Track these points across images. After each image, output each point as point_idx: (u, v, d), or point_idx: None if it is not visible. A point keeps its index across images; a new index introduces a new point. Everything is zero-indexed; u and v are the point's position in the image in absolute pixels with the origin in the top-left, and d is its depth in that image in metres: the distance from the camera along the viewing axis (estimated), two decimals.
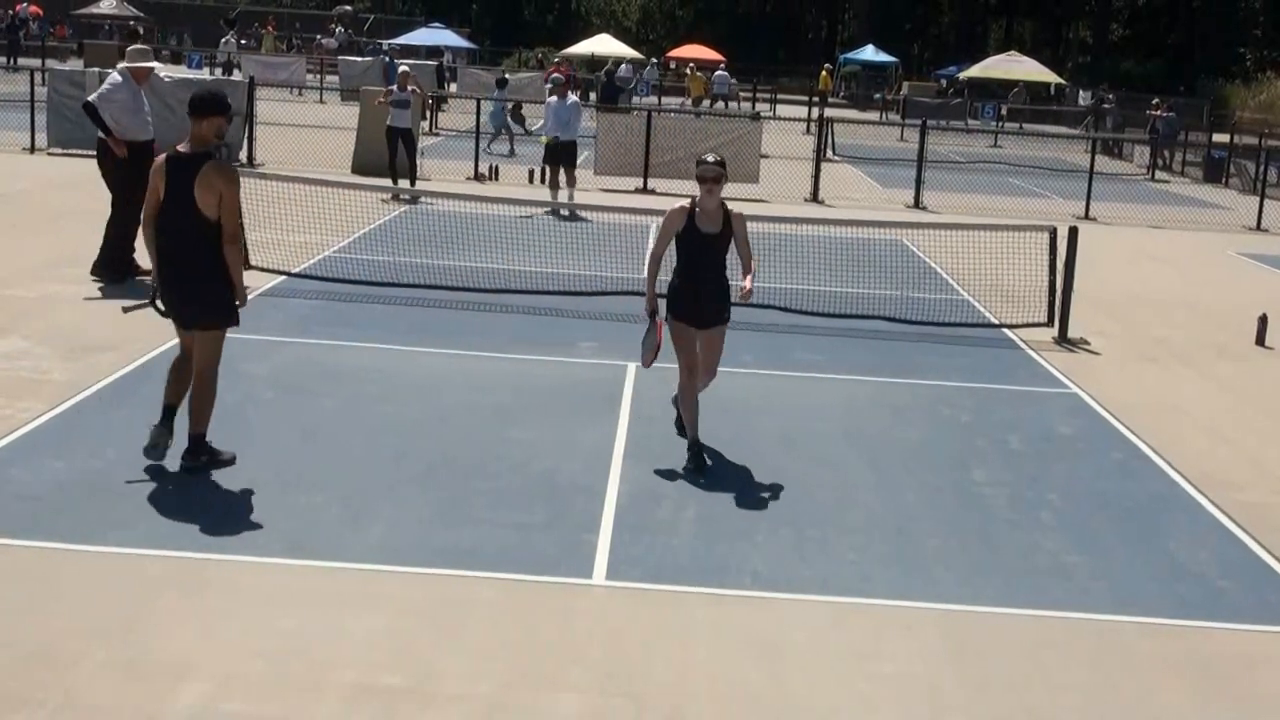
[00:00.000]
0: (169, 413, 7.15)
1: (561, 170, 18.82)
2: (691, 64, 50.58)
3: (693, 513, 6.98)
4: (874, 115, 44.74)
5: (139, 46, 12.87)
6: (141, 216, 7.20)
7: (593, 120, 24.54)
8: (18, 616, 5.32)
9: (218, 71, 42.14)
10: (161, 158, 7.06)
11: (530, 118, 27.67)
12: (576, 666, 5.22)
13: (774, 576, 6.22)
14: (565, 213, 17.27)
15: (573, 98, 19.76)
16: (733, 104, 46.41)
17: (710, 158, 7.70)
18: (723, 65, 51.61)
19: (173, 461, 7.09)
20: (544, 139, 19.26)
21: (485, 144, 23.21)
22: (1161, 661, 5.61)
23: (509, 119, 26.69)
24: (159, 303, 7.34)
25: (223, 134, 7.15)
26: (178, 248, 6.99)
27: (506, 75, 34.23)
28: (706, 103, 43.78)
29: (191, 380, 7.13)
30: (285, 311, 10.98)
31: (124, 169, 11.68)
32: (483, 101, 24.70)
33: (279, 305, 11.20)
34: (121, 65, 12.01)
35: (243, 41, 48.43)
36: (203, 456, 7.15)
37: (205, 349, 7.11)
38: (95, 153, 11.91)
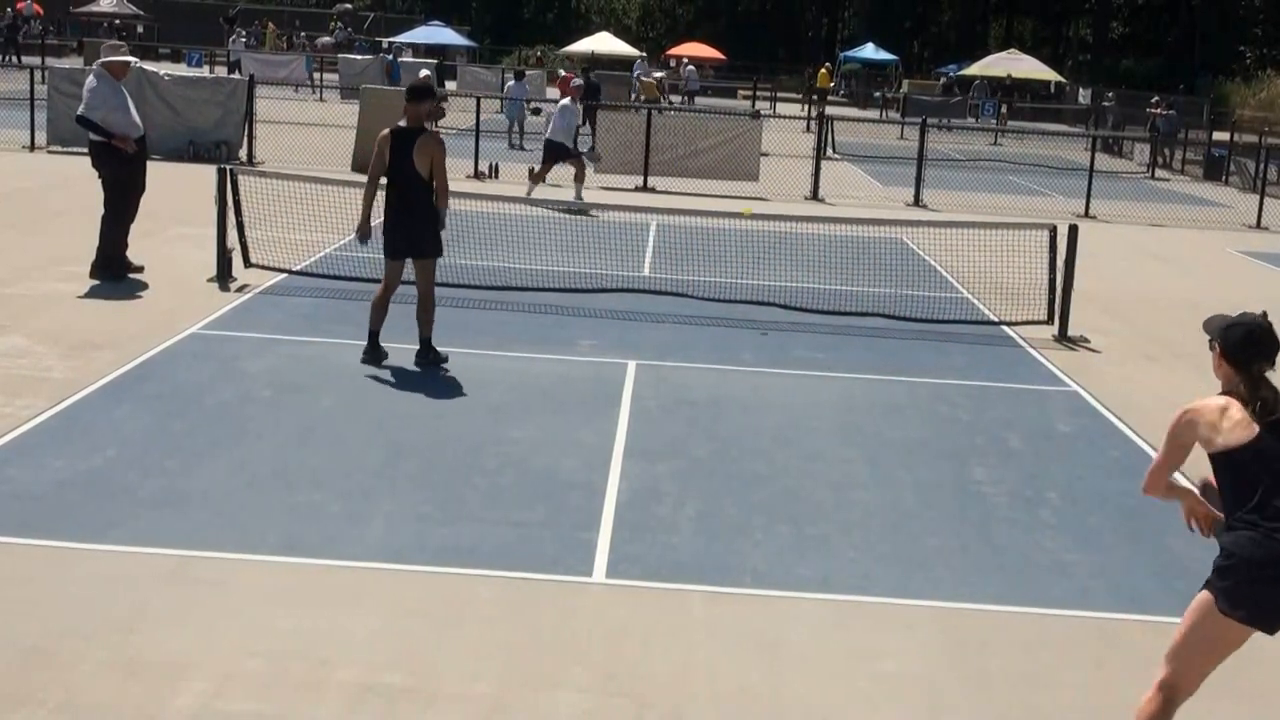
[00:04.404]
0: (374, 337, 9.26)
1: (542, 166, 19.59)
2: (639, 74, 50.31)
3: (692, 511, 6.98)
4: (873, 113, 44.72)
5: (112, 42, 12.85)
6: (368, 177, 9.27)
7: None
8: (18, 616, 5.32)
9: (220, 70, 42.13)
10: (386, 131, 9.02)
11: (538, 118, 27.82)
12: (576, 666, 5.21)
13: (774, 575, 6.22)
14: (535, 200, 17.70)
15: (564, 102, 20.03)
16: (702, 100, 46.35)
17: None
18: (687, 61, 51.59)
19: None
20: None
21: (508, 141, 23.57)
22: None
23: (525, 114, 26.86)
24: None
25: (431, 114, 9.27)
26: (403, 199, 9.04)
27: (522, 69, 34.15)
28: (679, 99, 43.91)
29: (417, 300, 9.27)
30: (285, 309, 10.97)
31: (122, 167, 11.67)
32: (487, 99, 24.70)
33: (278, 303, 11.19)
34: (97, 64, 12.02)
35: (244, 40, 48.36)
36: (431, 354, 9.31)
37: (426, 275, 9.25)
38: (89, 154, 11.90)
